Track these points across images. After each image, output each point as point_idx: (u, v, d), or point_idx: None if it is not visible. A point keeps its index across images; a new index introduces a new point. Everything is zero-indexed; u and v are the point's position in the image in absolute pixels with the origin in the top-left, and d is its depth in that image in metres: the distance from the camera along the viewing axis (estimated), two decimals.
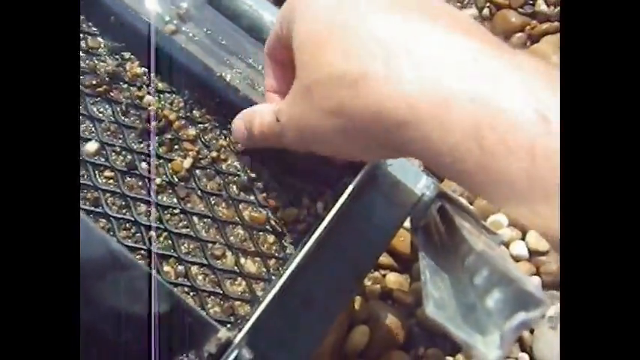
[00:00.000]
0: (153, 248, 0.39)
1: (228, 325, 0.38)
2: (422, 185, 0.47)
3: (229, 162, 0.43)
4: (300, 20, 0.32)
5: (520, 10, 0.89)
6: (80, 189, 0.41)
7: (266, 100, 0.41)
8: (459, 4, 0.91)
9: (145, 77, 0.44)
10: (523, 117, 0.24)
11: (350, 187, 0.37)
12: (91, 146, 0.42)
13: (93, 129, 0.43)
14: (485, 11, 0.91)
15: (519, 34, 0.88)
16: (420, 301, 0.74)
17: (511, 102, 0.24)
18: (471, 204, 0.78)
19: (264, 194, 0.42)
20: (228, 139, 0.43)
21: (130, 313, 0.27)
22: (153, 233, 0.40)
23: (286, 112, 0.34)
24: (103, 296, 0.27)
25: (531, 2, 0.89)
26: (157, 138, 0.43)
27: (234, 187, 0.42)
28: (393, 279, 0.75)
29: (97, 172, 0.42)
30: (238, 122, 0.41)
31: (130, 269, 0.28)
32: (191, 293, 0.40)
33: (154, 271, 0.35)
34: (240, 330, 0.34)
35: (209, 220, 0.41)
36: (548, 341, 0.69)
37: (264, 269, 0.41)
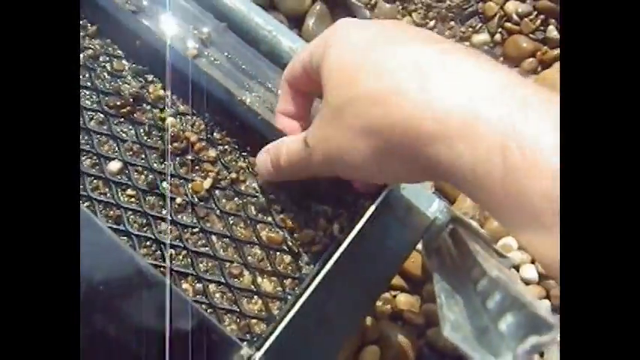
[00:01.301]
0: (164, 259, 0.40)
1: (251, 342, 0.38)
2: (434, 209, 0.48)
3: (248, 183, 0.44)
4: (334, 49, 0.33)
5: (531, 35, 0.91)
6: (99, 203, 0.42)
7: (276, 123, 0.42)
8: (471, 29, 0.93)
9: (167, 99, 0.46)
10: (547, 142, 0.25)
11: (369, 212, 0.38)
12: (114, 165, 0.44)
13: (116, 148, 0.44)
14: (497, 36, 0.92)
15: (530, 60, 0.89)
16: (430, 322, 0.75)
17: (536, 127, 0.25)
18: (482, 227, 0.79)
19: (282, 215, 0.43)
20: (247, 161, 0.44)
21: (154, 329, 0.28)
22: (172, 251, 0.42)
23: (316, 135, 0.36)
24: (128, 313, 0.28)
25: (542, 28, 0.91)
26: (177, 159, 0.44)
27: (253, 208, 0.43)
28: (404, 300, 0.76)
29: (119, 190, 0.43)
30: (263, 157, 0.42)
31: (156, 287, 0.29)
32: (208, 310, 0.41)
33: (168, 282, 0.36)
34: (259, 348, 0.35)
35: (227, 239, 0.42)
36: None
37: (280, 288, 0.42)
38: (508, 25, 0.91)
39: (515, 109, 0.26)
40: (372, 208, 0.38)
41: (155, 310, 0.28)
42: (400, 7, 0.93)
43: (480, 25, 0.93)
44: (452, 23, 0.93)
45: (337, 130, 0.33)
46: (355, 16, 0.92)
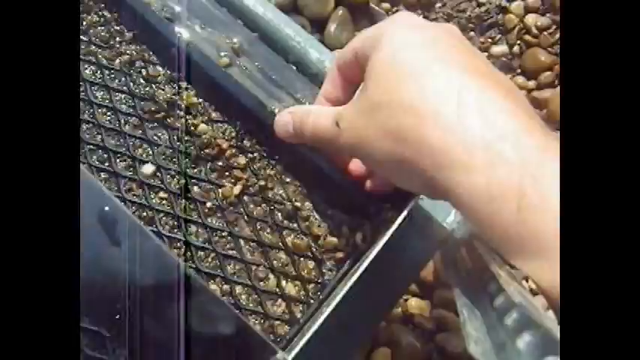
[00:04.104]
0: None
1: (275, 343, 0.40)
2: (451, 220, 0.50)
3: (275, 191, 0.46)
4: (388, 44, 0.35)
5: (550, 49, 0.92)
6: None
7: (316, 103, 0.44)
8: (490, 40, 0.94)
9: (199, 106, 0.48)
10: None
11: (395, 226, 0.39)
12: (147, 168, 0.46)
13: (150, 152, 0.46)
14: (516, 48, 0.93)
15: (547, 73, 0.91)
16: (440, 327, 0.77)
17: (553, 173, 0.28)
18: None
19: (307, 223, 0.45)
20: (275, 169, 0.46)
21: (198, 333, 0.30)
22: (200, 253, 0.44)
23: (348, 121, 0.37)
24: (175, 317, 0.30)
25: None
26: (209, 164, 0.46)
27: (280, 214, 0.45)
28: (415, 304, 0.77)
29: (152, 192, 0.45)
30: (285, 117, 0.43)
31: (200, 293, 0.31)
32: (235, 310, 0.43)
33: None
34: (283, 348, 0.37)
35: (254, 244, 0.44)
36: None
37: (304, 292, 0.44)
38: (527, 37, 0.92)
39: (535, 155, 0.29)
40: (398, 221, 0.39)
41: (199, 315, 0.30)
42: (421, 15, 0.94)
43: (499, 36, 0.94)
44: (472, 34, 0.95)
45: (369, 123, 0.35)
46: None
